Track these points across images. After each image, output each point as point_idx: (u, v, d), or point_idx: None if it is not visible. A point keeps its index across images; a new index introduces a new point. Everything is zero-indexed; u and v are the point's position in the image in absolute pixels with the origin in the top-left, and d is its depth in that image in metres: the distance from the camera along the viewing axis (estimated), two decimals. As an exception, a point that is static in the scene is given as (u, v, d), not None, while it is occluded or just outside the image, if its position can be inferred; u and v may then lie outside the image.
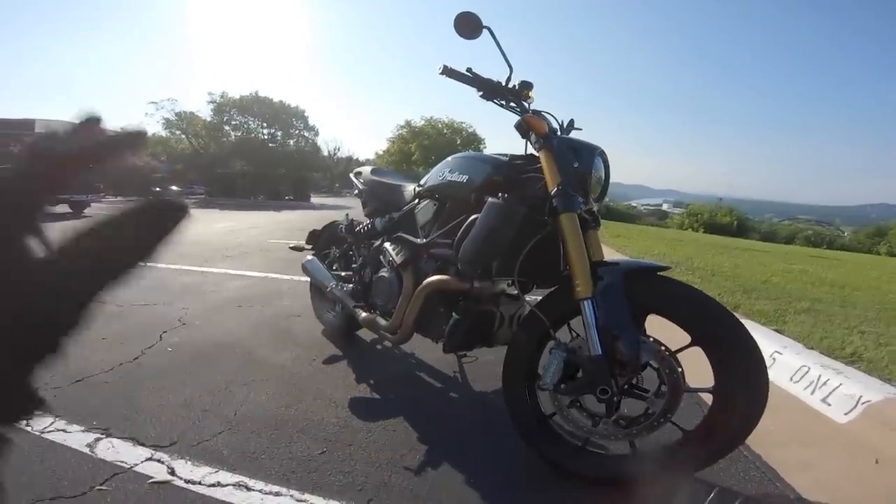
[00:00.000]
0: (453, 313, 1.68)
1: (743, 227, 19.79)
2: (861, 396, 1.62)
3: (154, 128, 31.89)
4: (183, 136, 30.64)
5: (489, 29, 1.57)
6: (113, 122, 0.27)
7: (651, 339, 1.34)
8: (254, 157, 29.82)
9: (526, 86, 1.64)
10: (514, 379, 1.55)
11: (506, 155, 1.68)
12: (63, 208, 12.26)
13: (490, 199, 1.52)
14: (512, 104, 1.61)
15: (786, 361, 2.02)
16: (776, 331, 2.48)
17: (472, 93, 1.62)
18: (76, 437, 1.54)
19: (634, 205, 33.34)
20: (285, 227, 9.83)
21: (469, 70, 1.60)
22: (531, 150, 1.57)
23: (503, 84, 1.60)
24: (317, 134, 34.30)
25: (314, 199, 29.12)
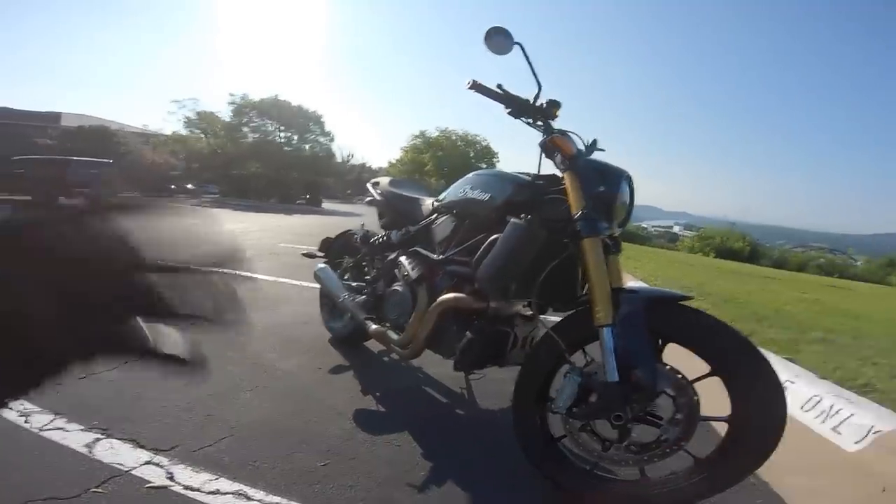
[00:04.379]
0: (467, 332, 1.65)
1: (755, 254, 19.57)
2: (873, 426, 1.59)
3: (175, 126, 32.43)
4: (202, 136, 31.02)
5: (520, 45, 1.56)
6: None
7: (668, 367, 1.30)
8: (269, 159, 30.11)
9: (554, 104, 1.61)
10: (526, 400, 1.52)
11: (528, 174, 1.65)
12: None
13: (512, 220, 1.49)
14: (539, 123, 1.58)
15: (798, 390, 1.99)
16: (789, 359, 2.43)
17: (486, 107, 1.60)
18: (75, 437, 1.52)
19: (645, 226, 33.03)
20: (296, 231, 9.86)
21: (499, 86, 1.58)
22: (552, 168, 1.55)
23: (531, 102, 1.58)
24: (332, 139, 34.48)
25: (326, 205, 29.29)
